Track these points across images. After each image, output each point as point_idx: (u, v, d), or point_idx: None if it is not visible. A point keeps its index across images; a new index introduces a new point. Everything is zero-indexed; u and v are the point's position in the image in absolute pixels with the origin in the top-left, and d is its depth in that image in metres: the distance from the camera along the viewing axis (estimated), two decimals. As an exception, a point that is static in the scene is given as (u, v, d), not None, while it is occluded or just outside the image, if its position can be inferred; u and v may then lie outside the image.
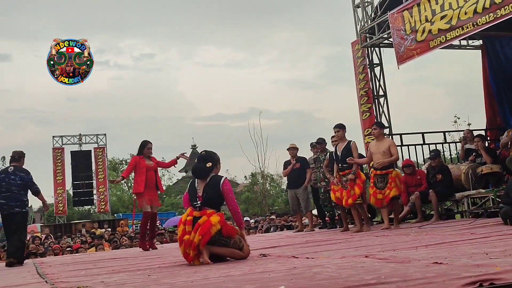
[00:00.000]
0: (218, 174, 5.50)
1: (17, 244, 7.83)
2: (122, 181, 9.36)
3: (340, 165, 8.93)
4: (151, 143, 8.89)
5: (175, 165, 9.22)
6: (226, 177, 5.44)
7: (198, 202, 5.23)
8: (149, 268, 5.07)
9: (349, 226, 9.80)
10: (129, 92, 77.08)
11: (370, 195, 9.17)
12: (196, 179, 5.45)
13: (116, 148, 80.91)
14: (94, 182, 30.35)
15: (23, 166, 8.25)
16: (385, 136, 9.97)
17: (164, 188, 40.58)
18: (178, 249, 8.16)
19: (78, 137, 30.18)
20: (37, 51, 75.64)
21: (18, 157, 8.24)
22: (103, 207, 30.14)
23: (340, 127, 9.09)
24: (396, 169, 9.10)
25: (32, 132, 76.38)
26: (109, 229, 22.05)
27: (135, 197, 8.86)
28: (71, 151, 29.94)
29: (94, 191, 30.38)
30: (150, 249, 8.62)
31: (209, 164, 5.40)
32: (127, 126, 73.02)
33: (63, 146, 29.83)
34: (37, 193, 8.17)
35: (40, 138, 75.11)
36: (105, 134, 30.73)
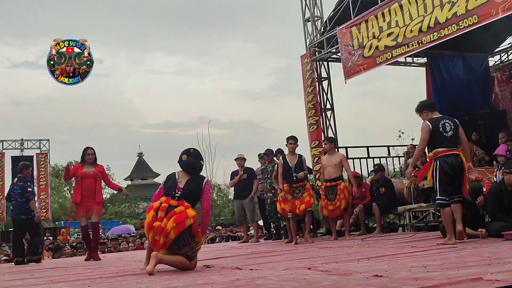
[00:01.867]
0: None
1: (33, 245, 9.11)
2: (70, 166, 8.99)
3: (294, 177, 9.01)
4: (92, 149, 8.56)
5: (115, 190, 9.04)
6: (208, 179, 5.56)
7: (178, 193, 5.22)
8: (90, 278, 4.93)
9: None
10: (75, 97, 75.60)
11: (321, 206, 9.35)
12: (176, 173, 5.43)
13: (60, 154, 79.05)
14: (36, 188, 29.53)
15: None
16: (336, 151, 10.21)
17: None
18: (120, 260, 8.09)
19: (19, 141, 29.35)
20: (-21, 51, 73.22)
21: (20, 169, 9.30)
22: (44, 214, 29.31)
23: (296, 140, 9.29)
24: (344, 181, 9.31)
25: (-29, 135, 73.75)
26: (51, 238, 21.45)
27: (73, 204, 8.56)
28: (11, 156, 29.02)
29: (35, 198, 29.55)
30: (92, 259, 8.31)
31: (202, 162, 5.50)
32: (71, 132, 71.44)
33: (3, 151, 28.91)
34: (28, 200, 8.80)
35: (-21, 142, 72.63)
36: (48, 140, 29.99)
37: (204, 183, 5.37)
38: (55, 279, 5.09)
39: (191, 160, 5.42)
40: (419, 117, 6.86)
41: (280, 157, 9.35)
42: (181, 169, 5.48)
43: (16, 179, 9.16)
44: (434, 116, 6.65)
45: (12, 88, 74.66)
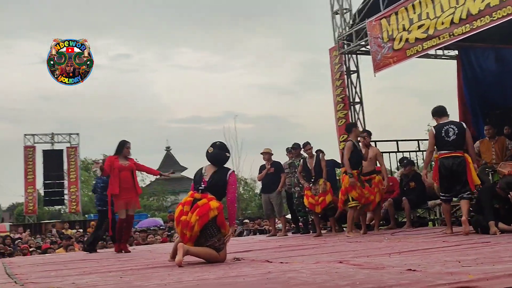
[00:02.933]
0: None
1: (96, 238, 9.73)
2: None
3: (313, 179, 9.45)
4: (130, 143, 8.53)
5: (156, 176, 8.94)
6: (233, 170, 5.54)
7: (202, 186, 5.27)
8: (121, 270, 4.99)
9: (322, 231, 9.86)
10: (104, 92, 76.47)
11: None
12: (203, 167, 5.48)
13: (89, 148, 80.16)
14: (66, 182, 29.96)
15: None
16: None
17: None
18: (150, 252, 8.16)
19: (50, 136, 29.82)
20: (9, 47, 74.49)
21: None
22: (74, 207, 29.79)
23: (311, 144, 9.78)
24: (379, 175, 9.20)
25: (3, 130, 75.15)
26: (81, 230, 21.80)
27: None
28: (43, 150, 29.56)
29: (65, 191, 29.99)
30: (123, 251, 8.36)
31: (228, 154, 5.51)
32: (100, 126, 72.32)
33: (34, 144, 29.44)
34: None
35: (11, 136, 74.00)
36: (78, 134, 30.44)
37: (228, 175, 5.39)
38: (87, 271, 5.16)
39: (216, 152, 5.46)
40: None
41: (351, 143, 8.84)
42: (209, 163, 5.53)
43: (100, 173, 9.53)
44: (441, 122, 7.29)
45: (42, 83, 75.89)
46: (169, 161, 54.86)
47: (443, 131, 7.12)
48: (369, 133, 9.67)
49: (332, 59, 13.29)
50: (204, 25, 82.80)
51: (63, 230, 21.98)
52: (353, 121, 12.89)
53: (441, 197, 7.40)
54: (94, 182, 10.51)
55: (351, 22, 12.80)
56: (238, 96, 73.77)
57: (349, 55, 13.17)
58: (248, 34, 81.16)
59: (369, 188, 8.75)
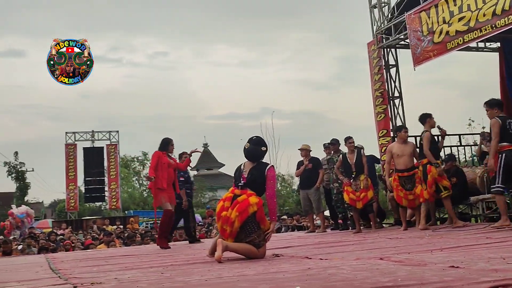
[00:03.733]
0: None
1: (187, 229, 10.25)
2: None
3: (353, 174, 9.42)
4: (173, 140, 8.69)
5: (190, 164, 8.96)
6: (272, 165, 5.52)
7: (242, 182, 5.30)
8: (162, 265, 5.05)
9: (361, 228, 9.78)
10: (142, 90, 77.57)
11: (399, 197, 9.03)
12: (242, 164, 5.51)
13: (128, 145, 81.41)
14: (106, 178, 30.47)
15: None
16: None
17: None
18: (189, 248, 8.22)
19: (90, 133, 30.34)
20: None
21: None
22: (114, 204, 30.27)
23: (353, 139, 9.70)
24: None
25: (45, 128, 77.05)
26: (121, 226, 22.12)
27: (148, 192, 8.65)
28: (83, 148, 30.12)
29: (106, 188, 30.50)
30: (158, 246, 8.42)
31: (263, 148, 5.49)
32: (139, 124, 73.43)
33: (75, 142, 30.01)
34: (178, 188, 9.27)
35: (53, 134, 75.81)
36: (117, 131, 30.87)
37: (267, 170, 5.38)
38: (129, 266, 5.23)
39: (251, 147, 5.47)
40: (486, 111, 7.55)
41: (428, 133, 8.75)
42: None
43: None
44: (501, 115, 7.36)
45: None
46: (206, 157, 55.22)
47: (507, 123, 7.22)
48: (406, 128, 9.52)
49: (371, 54, 13.14)
50: (240, 21, 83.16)
51: (104, 226, 22.33)
52: (393, 116, 12.73)
53: (496, 189, 7.30)
54: None
55: (389, 16, 12.64)
56: (275, 92, 73.89)
57: (388, 49, 13.01)
58: (285, 30, 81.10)
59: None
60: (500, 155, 7.20)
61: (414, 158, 9.06)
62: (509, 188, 7.36)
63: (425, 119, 8.74)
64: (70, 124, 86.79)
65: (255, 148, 5.47)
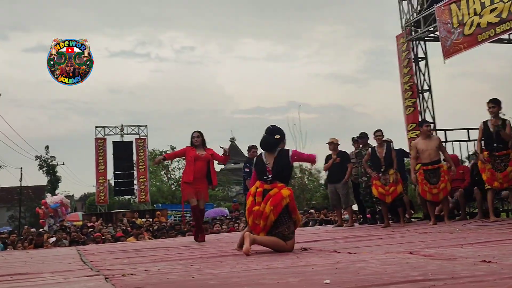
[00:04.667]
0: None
1: None
2: (163, 162, 9.10)
3: (382, 168, 9.33)
4: (197, 132, 8.48)
5: (226, 160, 8.74)
6: (294, 149, 5.56)
7: (269, 176, 5.29)
8: (191, 258, 5.09)
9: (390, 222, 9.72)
10: (169, 85, 78.20)
11: (424, 191, 8.99)
12: (263, 155, 5.51)
13: (157, 139, 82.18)
14: (135, 172, 30.78)
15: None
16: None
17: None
18: (217, 241, 8.27)
19: (120, 128, 30.64)
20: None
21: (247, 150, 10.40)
22: (143, 197, 30.56)
23: (382, 132, 9.59)
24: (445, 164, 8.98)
25: (75, 122, 78.18)
26: (150, 219, 22.35)
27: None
28: (113, 142, 30.45)
29: (135, 181, 30.81)
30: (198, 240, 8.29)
31: (277, 136, 5.47)
32: (167, 118, 74.05)
33: (105, 136, 30.35)
34: (243, 179, 10.17)
35: (83, 128, 76.91)
36: (146, 126, 31.12)
37: (290, 156, 5.39)
38: (158, 258, 5.29)
39: (265, 137, 5.50)
40: None
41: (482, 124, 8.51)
42: None
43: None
44: None
45: (110, 77, 78.25)
46: (233, 151, 55.32)
47: None
48: (430, 122, 9.53)
49: (399, 46, 13.00)
50: (266, 15, 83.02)
51: (133, 219, 22.60)
52: (422, 109, 12.59)
53: None
54: None
55: (418, 8, 12.48)
56: (302, 85, 73.74)
57: (417, 42, 12.86)
58: (312, 23, 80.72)
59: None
60: None
61: (441, 153, 8.98)
62: None
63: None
64: (100, 118, 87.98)
65: (267, 138, 5.49)
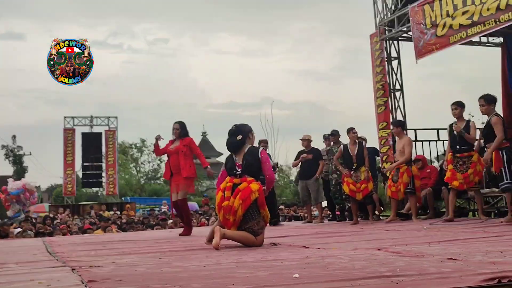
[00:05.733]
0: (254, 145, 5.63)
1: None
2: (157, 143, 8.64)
3: (354, 166, 9.43)
4: (176, 124, 8.30)
5: (203, 167, 8.55)
6: (262, 148, 5.65)
7: (238, 170, 5.31)
8: (160, 251, 5.06)
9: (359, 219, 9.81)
10: (142, 76, 77.42)
11: (387, 188, 9.33)
12: (232, 154, 5.52)
13: (127, 131, 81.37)
14: (104, 164, 30.46)
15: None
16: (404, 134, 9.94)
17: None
18: (187, 235, 8.22)
19: (89, 119, 30.30)
20: (51, 31, 75.96)
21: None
22: (111, 189, 30.28)
23: (356, 130, 9.68)
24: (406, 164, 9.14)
25: (44, 112, 76.89)
26: (118, 212, 22.16)
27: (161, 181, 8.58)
28: (82, 133, 30.09)
29: (103, 174, 30.50)
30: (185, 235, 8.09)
31: (239, 137, 5.47)
32: (138, 110, 73.33)
33: (74, 127, 29.96)
34: None
35: (52, 118, 75.74)
36: (116, 117, 30.83)
37: (260, 153, 5.42)
38: (126, 251, 5.24)
39: (228, 140, 5.54)
40: (481, 106, 7.51)
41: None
42: None
43: None
44: (497, 112, 7.53)
45: (82, 67, 77.11)
46: (205, 146, 55.21)
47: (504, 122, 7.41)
48: (399, 123, 9.71)
49: (373, 45, 13.09)
50: (242, 9, 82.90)
51: (101, 212, 22.37)
52: (393, 108, 12.71)
53: (506, 185, 7.27)
54: None
55: (393, 8, 12.58)
56: (276, 82, 73.83)
57: (390, 41, 12.97)
58: (287, 19, 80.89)
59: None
60: (501, 152, 7.24)
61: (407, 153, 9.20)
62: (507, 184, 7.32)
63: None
64: (69, 109, 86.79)
65: (231, 141, 5.51)
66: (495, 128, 7.30)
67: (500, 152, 7.25)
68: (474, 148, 8.15)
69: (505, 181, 7.24)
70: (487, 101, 7.44)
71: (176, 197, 8.13)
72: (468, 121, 8.22)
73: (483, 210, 8.59)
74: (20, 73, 75.37)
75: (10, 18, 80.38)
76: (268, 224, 8.82)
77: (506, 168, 7.19)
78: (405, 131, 11.45)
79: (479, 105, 7.74)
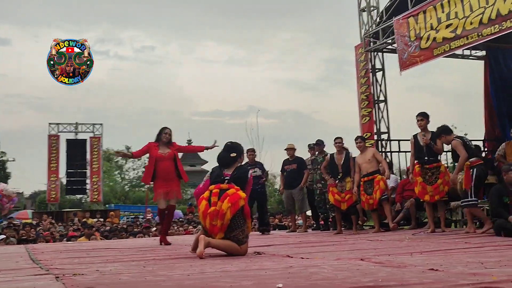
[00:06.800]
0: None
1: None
2: (128, 158, 8.57)
3: (339, 175, 9.46)
4: (169, 129, 8.01)
5: (202, 151, 8.45)
6: (251, 170, 5.78)
7: (226, 178, 5.35)
8: (144, 259, 5.05)
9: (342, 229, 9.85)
10: (128, 84, 77.28)
11: (363, 201, 9.38)
12: (221, 169, 5.54)
13: (112, 138, 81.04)
14: (88, 171, 30.27)
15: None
16: (370, 146, 10.26)
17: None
18: (171, 243, 8.20)
19: (74, 125, 30.14)
20: (37, 36, 75.60)
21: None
22: (95, 197, 30.09)
23: (342, 139, 9.66)
24: (380, 174, 9.26)
25: (28, 118, 76.34)
26: (101, 219, 22.00)
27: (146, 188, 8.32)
28: (66, 139, 29.90)
29: (87, 181, 30.31)
30: (162, 243, 7.85)
31: (233, 154, 5.53)
32: (124, 117, 73.08)
33: (59, 133, 29.78)
34: None
35: (36, 124, 75.11)
36: (101, 124, 30.71)
37: (249, 174, 5.52)
38: (110, 259, 5.22)
39: (221, 154, 5.59)
40: (420, 121, 8.26)
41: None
42: None
43: None
44: (456, 135, 8.00)
45: (67, 73, 76.66)
46: (189, 154, 55.08)
47: (466, 141, 7.81)
48: (363, 138, 9.94)
49: (358, 57, 13.22)
50: (228, 19, 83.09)
51: (84, 219, 22.20)
52: (377, 119, 12.82)
53: (470, 203, 7.57)
54: None
55: (378, 20, 12.73)
56: (261, 91, 74.03)
57: (375, 53, 13.11)
58: (274, 29, 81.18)
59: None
60: (472, 170, 7.46)
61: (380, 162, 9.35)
62: (472, 201, 7.60)
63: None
64: (54, 115, 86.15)
65: (224, 155, 5.57)
66: (456, 150, 7.65)
67: (471, 169, 7.47)
68: (439, 159, 8.50)
69: (469, 198, 7.52)
70: (425, 116, 8.16)
71: (166, 204, 7.91)
72: (433, 132, 8.32)
73: (445, 222, 8.86)
74: (4, 78, 74.85)
75: (-4, 23, 79.84)
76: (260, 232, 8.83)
77: (473, 187, 7.44)
78: (389, 142, 11.60)
79: (418, 120, 8.33)
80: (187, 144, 50.41)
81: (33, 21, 79.27)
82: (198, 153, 8.69)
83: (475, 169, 7.47)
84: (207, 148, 8.36)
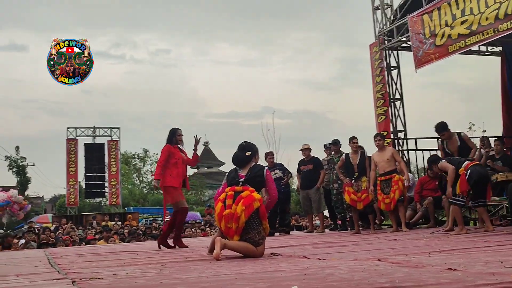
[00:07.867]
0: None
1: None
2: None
3: (355, 175, 9.43)
4: (181, 130, 7.84)
5: (196, 161, 8.20)
6: (267, 168, 5.72)
7: (241, 179, 5.35)
8: (160, 262, 5.06)
9: (360, 229, 9.80)
10: (144, 87, 77.69)
11: (379, 201, 9.30)
12: (236, 167, 5.56)
13: (129, 141, 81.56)
14: (106, 175, 30.48)
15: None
16: (387, 144, 10.29)
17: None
18: (189, 245, 8.22)
19: (92, 129, 30.36)
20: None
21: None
22: (114, 200, 30.29)
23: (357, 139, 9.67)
24: (398, 174, 9.18)
25: (46, 123, 77.14)
26: (119, 222, 22.15)
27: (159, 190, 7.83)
28: (84, 143, 30.14)
29: (106, 184, 30.51)
30: (177, 246, 7.71)
31: (248, 153, 5.53)
32: (140, 120, 73.45)
33: (77, 138, 30.02)
34: None
35: (54, 129, 75.90)
36: (119, 128, 30.91)
37: (265, 172, 5.48)
38: (127, 262, 5.24)
39: (236, 154, 5.58)
40: (378, 141, 9.22)
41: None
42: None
43: None
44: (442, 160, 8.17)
45: (84, 78, 77.27)
46: (207, 155, 55.29)
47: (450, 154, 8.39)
48: (383, 136, 9.89)
49: (372, 55, 13.15)
50: (242, 20, 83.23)
51: (103, 222, 22.36)
52: (393, 118, 12.73)
53: (458, 202, 7.71)
54: None
55: (392, 18, 12.65)
56: (276, 91, 73.97)
57: (390, 51, 13.02)
58: (287, 29, 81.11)
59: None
60: (466, 172, 7.49)
61: (397, 163, 9.33)
62: (479, 202, 7.77)
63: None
64: (72, 119, 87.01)
65: (239, 154, 5.57)
66: (446, 169, 7.78)
67: (466, 172, 7.49)
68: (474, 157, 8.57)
69: (459, 198, 7.65)
70: (383, 137, 9.01)
71: (185, 204, 7.85)
72: (458, 133, 8.95)
73: (406, 223, 9.26)
74: (22, 84, 75.73)
75: (13, 30, 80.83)
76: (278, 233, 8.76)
77: (472, 189, 7.55)
78: (405, 140, 11.49)
79: (376, 140, 9.24)
80: (203, 146, 50.07)
81: (49, 26, 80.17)
82: (194, 162, 8.32)
83: (469, 171, 7.48)
84: (194, 150, 8.02)
